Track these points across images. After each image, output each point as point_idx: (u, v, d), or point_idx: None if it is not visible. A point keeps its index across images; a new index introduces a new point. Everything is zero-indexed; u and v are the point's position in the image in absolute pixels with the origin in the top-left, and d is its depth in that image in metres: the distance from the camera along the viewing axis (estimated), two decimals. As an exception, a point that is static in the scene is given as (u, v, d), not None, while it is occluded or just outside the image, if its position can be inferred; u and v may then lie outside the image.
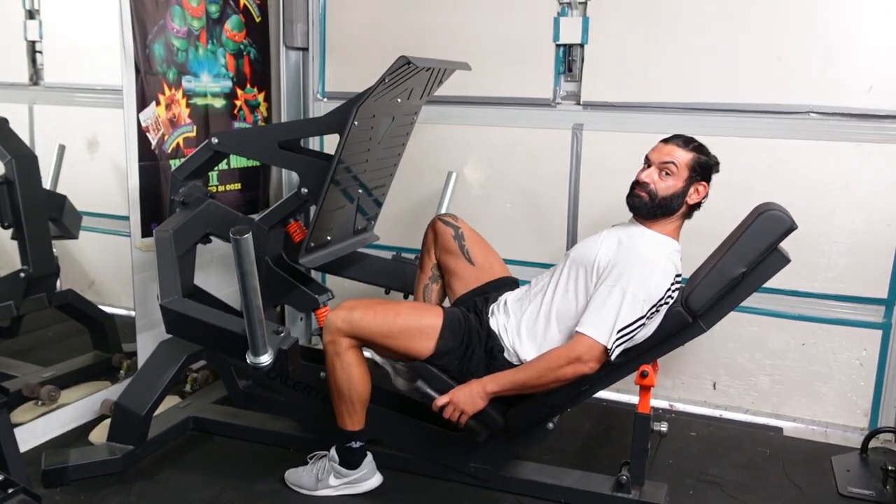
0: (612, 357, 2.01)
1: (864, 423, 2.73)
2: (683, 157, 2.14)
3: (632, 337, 2.03)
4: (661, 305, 2.06)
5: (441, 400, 2.12)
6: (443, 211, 2.82)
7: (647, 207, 2.15)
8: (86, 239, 2.93)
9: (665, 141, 2.19)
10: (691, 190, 2.15)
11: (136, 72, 2.65)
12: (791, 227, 2.01)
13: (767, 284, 2.14)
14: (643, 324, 2.03)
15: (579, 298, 2.13)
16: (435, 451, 2.35)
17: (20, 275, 2.55)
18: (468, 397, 2.10)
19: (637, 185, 2.18)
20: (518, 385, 2.09)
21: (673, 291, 2.09)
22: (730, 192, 2.66)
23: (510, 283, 2.43)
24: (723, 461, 2.54)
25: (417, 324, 2.16)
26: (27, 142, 2.70)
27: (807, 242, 2.64)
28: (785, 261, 2.07)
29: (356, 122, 2.14)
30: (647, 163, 2.19)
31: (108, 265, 3.12)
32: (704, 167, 2.15)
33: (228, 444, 2.56)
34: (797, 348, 2.78)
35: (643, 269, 2.04)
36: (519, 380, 2.09)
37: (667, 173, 2.13)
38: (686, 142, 2.17)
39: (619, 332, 1.99)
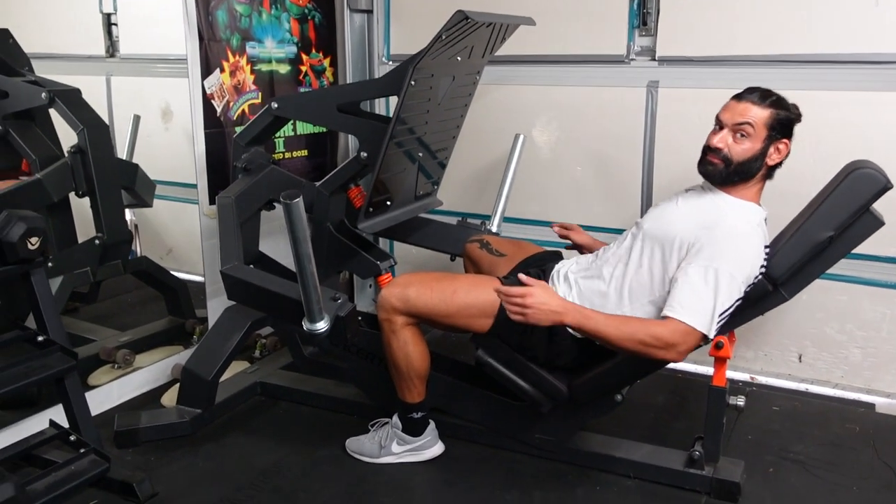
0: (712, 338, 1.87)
1: (967, 400, 2.53)
2: (760, 114, 1.93)
3: (730, 319, 1.90)
4: (754, 283, 1.92)
5: (517, 290, 1.85)
6: (510, 173, 2.74)
7: (723, 175, 1.97)
8: (163, 207, 3.00)
9: (738, 98, 1.98)
10: (771, 150, 1.95)
11: (199, 39, 2.66)
12: (886, 187, 1.84)
13: (859, 250, 1.98)
14: (740, 302, 1.89)
15: (654, 275, 1.98)
16: (499, 420, 2.30)
17: (95, 242, 2.61)
18: (543, 307, 1.83)
19: (709, 150, 1.98)
20: (598, 335, 1.88)
21: (764, 265, 1.93)
22: (818, 150, 2.48)
23: (553, 256, 2.34)
24: (807, 438, 2.39)
25: (475, 301, 2.08)
26: (104, 112, 2.76)
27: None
28: (878, 223, 1.90)
29: (413, 82, 2.07)
30: (719, 124, 1.99)
31: (184, 233, 3.19)
32: (785, 123, 1.95)
33: (293, 409, 2.58)
34: (893, 319, 2.58)
35: (737, 247, 1.87)
36: (601, 331, 1.86)
37: (742, 135, 1.93)
38: (762, 96, 1.95)
39: (719, 316, 1.85)
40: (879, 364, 2.64)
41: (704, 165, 2.00)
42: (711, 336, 1.85)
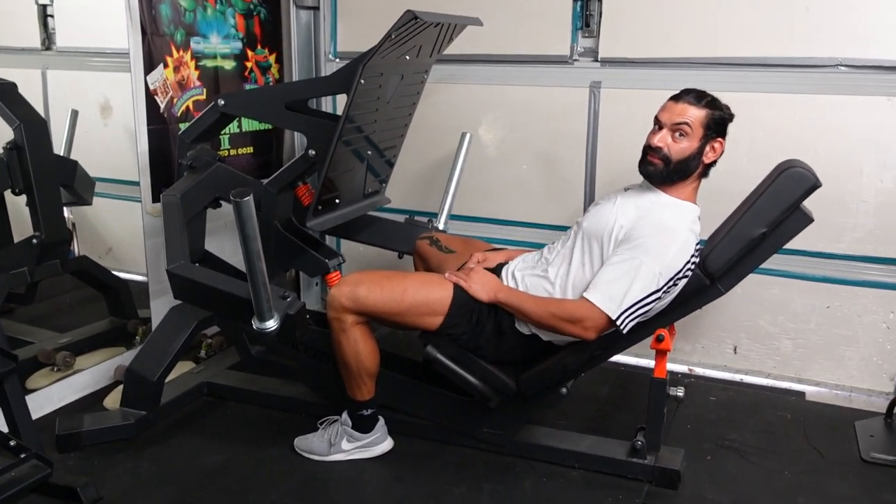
0: (624, 330, 1.94)
1: (890, 387, 2.66)
2: (697, 114, 2.01)
3: (647, 311, 1.96)
4: (679, 279, 1.98)
5: (467, 268, 2.17)
6: (457, 171, 2.77)
7: (662, 175, 2.04)
8: (102, 205, 2.93)
9: (675, 98, 2.06)
10: (707, 149, 2.03)
11: (142, 33, 2.61)
12: (815, 185, 1.93)
13: (791, 245, 2.07)
14: (659, 297, 1.96)
15: (596, 270, 2.04)
16: (447, 416, 2.33)
17: (32, 241, 2.54)
18: (481, 280, 2.11)
19: (649, 150, 2.05)
20: (522, 312, 2.06)
21: (693, 262, 2.00)
22: (753, 149, 2.58)
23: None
24: (742, 426, 2.49)
25: (425, 299, 2.11)
26: (40, 107, 2.68)
27: (833, 201, 2.54)
28: (808, 220, 1.99)
29: (363, 81, 2.08)
30: (658, 124, 2.06)
31: (125, 231, 3.12)
32: (720, 122, 2.03)
33: (241, 409, 2.56)
34: (821, 311, 2.70)
35: (661, 241, 1.95)
36: (525, 307, 2.04)
37: (681, 134, 2.01)
38: (698, 97, 2.03)
39: (631, 305, 1.92)
40: (809, 354, 2.76)
41: (645, 166, 2.07)
42: (619, 322, 1.92)
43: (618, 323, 1.93)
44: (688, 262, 1.98)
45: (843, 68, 2.53)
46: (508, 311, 2.10)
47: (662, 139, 2.03)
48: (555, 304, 2.03)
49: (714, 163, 2.07)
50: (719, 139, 2.04)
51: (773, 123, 2.62)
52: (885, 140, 2.51)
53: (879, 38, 2.47)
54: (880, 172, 2.54)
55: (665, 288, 1.95)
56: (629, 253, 1.95)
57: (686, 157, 2.02)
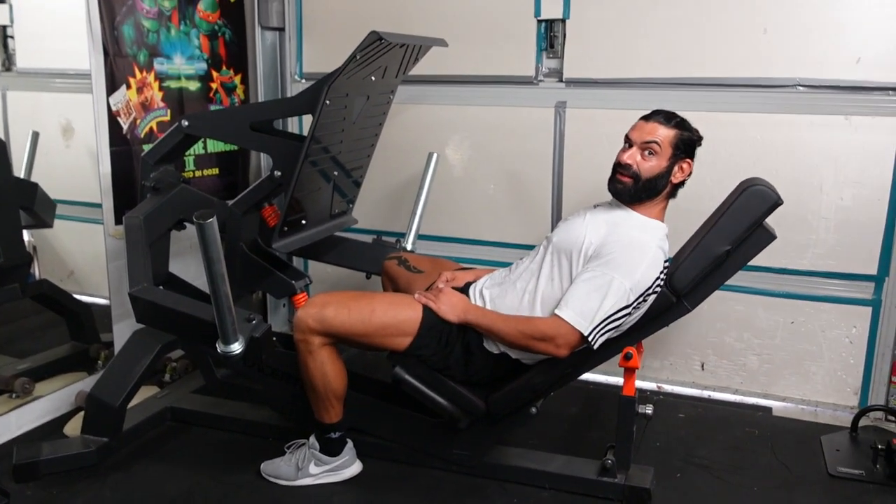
0: (595, 346, 1.95)
1: (854, 401, 2.70)
2: (666, 134, 2.04)
3: (617, 327, 1.97)
4: (648, 295, 1.99)
5: (435, 290, 2.16)
6: (424, 191, 2.77)
7: (631, 193, 2.06)
8: (64, 228, 2.88)
9: (646, 118, 2.09)
10: (676, 168, 2.06)
11: (104, 54, 2.57)
12: (776, 203, 1.96)
13: (754, 262, 2.10)
14: (629, 313, 1.97)
15: (564, 286, 2.05)
16: (416, 438, 2.31)
17: (-9, 265, 2.49)
18: (450, 301, 2.10)
19: (619, 167, 2.07)
20: (492, 332, 2.04)
21: (662, 279, 2.02)
22: (715, 168, 2.62)
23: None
24: (711, 443, 2.50)
25: (394, 320, 2.09)
26: (0, 129, 2.63)
27: (794, 219, 2.59)
28: (770, 237, 2.02)
29: (328, 102, 2.07)
30: (628, 142, 2.09)
31: (87, 254, 3.06)
32: (688, 143, 2.07)
33: (206, 434, 2.51)
34: (786, 327, 2.74)
35: (631, 258, 1.96)
36: (495, 327, 2.03)
37: (650, 153, 2.03)
38: (668, 118, 2.07)
39: (602, 321, 1.92)
40: (774, 370, 2.79)
41: (614, 184, 2.08)
42: (590, 338, 1.92)
43: (589, 339, 1.93)
44: (657, 278, 1.99)
45: (801, 88, 2.59)
46: (477, 331, 2.10)
47: (632, 156, 2.05)
48: (525, 322, 2.02)
49: (682, 183, 2.10)
50: (688, 160, 2.07)
51: (734, 142, 2.66)
52: (844, 158, 2.57)
53: (836, 59, 2.53)
54: (840, 190, 2.59)
55: (635, 304, 1.96)
56: (600, 269, 1.95)
57: (655, 176, 2.04)
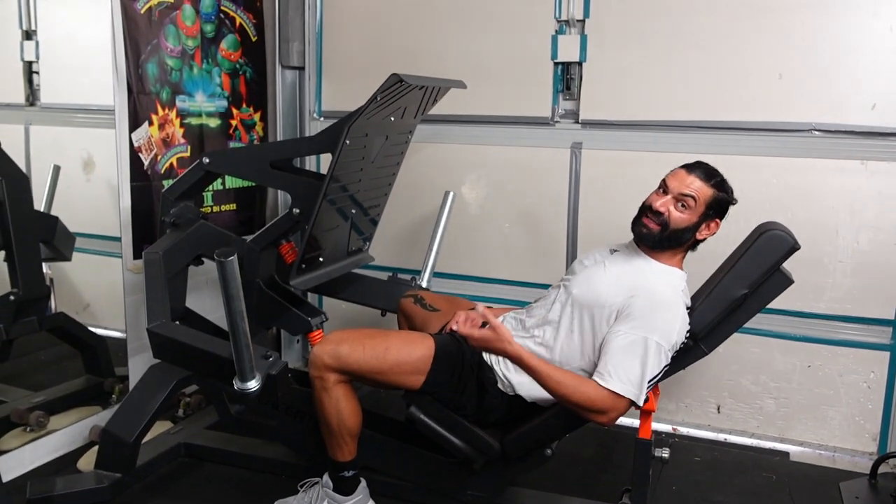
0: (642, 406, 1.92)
1: (873, 447, 2.66)
2: (705, 192, 2.00)
3: (655, 384, 1.96)
4: (681, 347, 1.99)
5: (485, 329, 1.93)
6: (440, 229, 2.78)
7: (656, 239, 2.03)
8: (82, 261, 2.90)
9: (688, 169, 2.04)
10: (703, 226, 2.03)
11: (128, 91, 2.62)
12: (794, 247, 1.96)
13: (771, 305, 2.09)
14: (667, 369, 1.96)
15: (585, 341, 2.03)
16: (430, 478, 2.29)
17: (10, 298, 2.51)
18: (484, 336, 1.90)
19: (649, 211, 2.04)
20: (535, 375, 1.90)
21: (689, 330, 2.00)
22: (731, 211, 2.61)
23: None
24: (727, 487, 2.47)
25: (408, 358, 2.08)
26: (22, 162, 2.67)
27: (811, 262, 2.58)
28: (788, 281, 2.02)
29: (348, 141, 2.10)
30: (664, 188, 2.05)
31: (104, 287, 3.08)
32: (722, 204, 2.04)
33: (220, 470, 2.50)
34: (803, 370, 2.72)
35: (665, 318, 1.93)
36: (540, 373, 1.89)
37: (684, 206, 2.00)
38: (709, 175, 2.03)
39: (648, 383, 1.90)
40: (791, 413, 2.76)
41: (640, 226, 2.05)
42: (641, 403, 1.90)
43: (639, 403, 1.90)
44: (687, 329, 1.98)
45: (816, 133, 2.60)
46: (491, 371, 2.09)
47: (665, 205, 2.02)
48: (575, 385, 1.89)
49: (704, 240, 2.08)
50: (717, 220, 2.05)
51: (750, 185, 2.66)
52: (860, 203, 2.57)
53: (851, 104, 2.55)
54: (856, 234, 2.59)
55: (672, 357, 1.96)
56: (635, 333, 1.90)
57: (682, 229, 2.02)
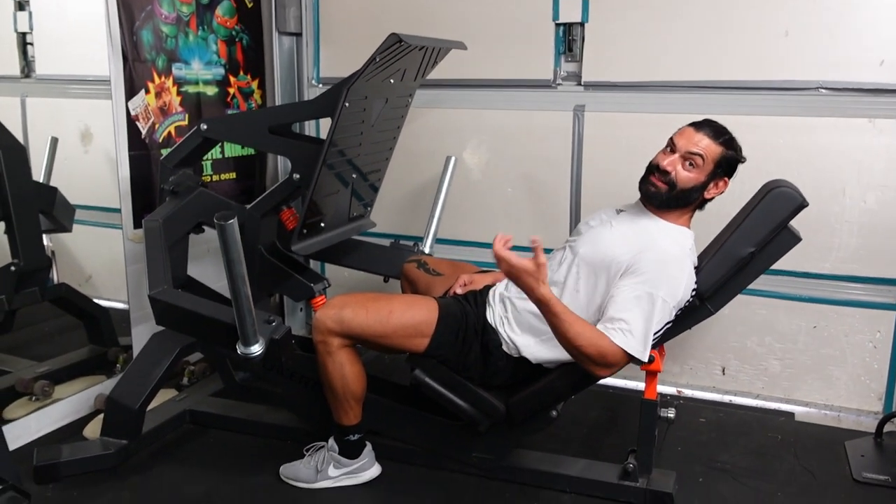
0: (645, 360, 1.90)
1: (879, 406, 2.66)
2: (713, 150, 1.97)
3: (657, 341, 1.94)
4: (684, 306, 1.98)
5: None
6: (442, 195, 2.76)
7: (663, 199, 2.00)
8: (82, 232, 2.89)
9: (696, 127, 2.00)
10: (711, 185, 2.00)
11: (123, 59, 2.59)
12: (801, 205, 1.94)
13: (776, 266, 2.07)
14: (669, 326, 1.95)
15: (591, 300, 2.00)
16: (435, 441, 2.29)
17: (11, 268, 2.50)
18: (522, 266, 1.79)
19: (656, 170, 2.01)
20: (557, 320, 1.82)
21: (694, 289, 1.98)
22: (737, 171, 2.59)
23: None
24: (733, 448, 2.47)
25: (412, 321, 2.08)
26: (19, 134, 2.64)
27: (817, 222, 2.56)
28: (795, 239, 2.00)
29: (347, 104, 2.07)
30: (671, 146, 2.01)
31: (105, 259, 3.07)
32: (731, 163, 2.00)
33: (225, 437, 2.50)
34: (808, 331, 2.71)
35: (672, 274, 1.91)
36: (563, 320, 1.81)
37: (692, 164, 1.97)
38: (717, 133, 1.99)
39: (651, 339, 1.89)
40: (797, 374, 2.75)
41: (647, 185, 2.03)
42: (645, 360, 1.88)
43: (644, 360, 1.89)
44: (693, 289, 1.97)
45: (823, 91, 2.56)
46: (495, 333, 2.08)
47: (672, 164, 1.98)
48: (588, 335, 1.84)
49: (712, 199, 2.05)
50: (725, 178, 2.02)
51: (755, 146, 2.57)
52: (868, 161, 2.54)
53: (859, 61, 2.50)
54: (863, 193, 2.56)
55: (676, 314, 1.95)
56: (641, 287, 1.88)
57: (690, 188, 1.98)
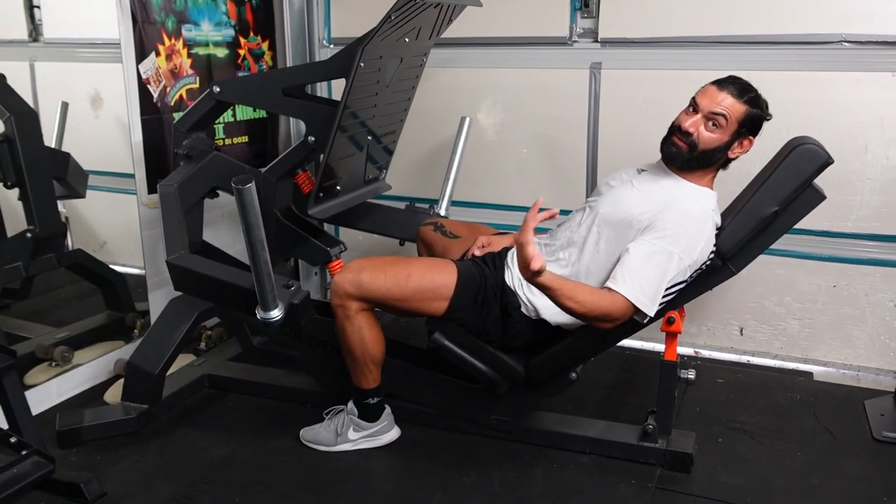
0: (656, 319, 1.89)
1: (898, 365, 2.65)
2: (737, 108, 1.91)
3: (671, 300, 1.92)
4: (702, 268, 1.95)
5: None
6: (457, 157, 2.73)
7: (685, 159, 1.96)
8: (96, 198, 2.88)
9: (719, 86, 1.94)
10: (736, 144, 1.95)
11: (132, 21, 2.55)
12: (827, 161, 1.89)
13: (797, 225, 2.03)
14: (685, 285, 1.92)
15: (611, 259, 1.97)
16: (454, 403, 2.30)
17: (27, 235, 2.50)
18: (532, 252, 1.73)
19: (678, 131, 1.96)
20: (555, 292, 1.81)
21: (714, 250, 1.95)
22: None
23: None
24: (751, 408, 2.47)
25: (430, 284, 2.07)
26: (29, 100, 2.62)
27: (838, 180, 2.51)
28: (820, 197, 1.96)
29: (362, 64, 2.03)
30: (694, 106, 1.96)
31: (119, 224, 3.07)
32: (756, 121, 1.95)
33: (244, 401, 2.52)
34: (828, 290, 2.68)
35: (690, 233, 1.88)
36: (560, 290, 1.81)
37: (714, 124, 1.92)
38: (742, 90, 1.92)
39: (661, 297, 1.87)
40: (815, 334, 2.74)
41: (668, 146, 1.98)
42: (651, 314, 1.87)
43: (652, 316, 1.88)
44: (711, 251, 1.94)
45: (846, 44, 2.50)
46: (514, 295, 2.07)
47: (695, 124, 1.93)
48: (590, 296, 1.85)
49: (736, 158, 2.00)
50: (750, 137, 1.97)
51: (776, 102, 2.51)
52: (891, 116, 2.49)
53: (883, 13, 2.43)
54: (886, 149, 2.51)
55: (690, 278, 1.92)
56: (658, 243, 1.87)
57: (713, 149, 1.94)
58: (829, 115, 2.55)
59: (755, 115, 1.95)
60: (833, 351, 2.72)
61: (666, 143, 2.00)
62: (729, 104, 1.92)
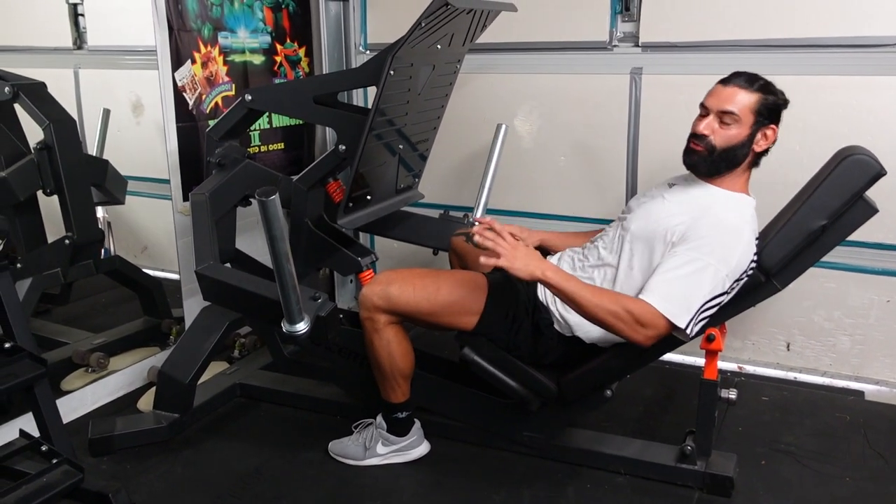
0: (692, 336, 1.81)
1: (957, 386, 2.51)
2: (747, 100, 1.85)
3: (712, 315, 1.84)
4: (742, 279, 1.86)
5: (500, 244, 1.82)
6: (492, 164, 2.68)
7: (707, 164, 1.89)
8: (137, 204, 2.92)
9: (724, 82, 1.90)
10: (758, 136, 1.88)
11: (168, 29, 2.56)
12: (879, 173, 1.79)
13: (848, 238, 1.93)
14: (724, 300, 1.84)
15: (646, 276, 1.90)
16: (485, 418, 2.25)
17: (65, 242, 2.53)
18: (526, 257, 1.80)
19: (693, 138, 1.91)
20: (569, 296, 1.80)
21: (754, 261, 1.86)
22: (806, 137, 2.45)
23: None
24: (797, 429, 2.36)
25: (460, 298, 2.02)
26: (73, 107, 2.67)
27: (893, 190, 2.38)
28: (872, 210, 1.85)
29: (392, 72, 2.00)
30: (704, 110, 1.91)
31: (160, 230, 3.10)
32: (772, 108, 1.88)
33: (275, 411, 2.51)
34: (881, 306, 2.56)
35: (725, 242, 1.80)
36: (574, 293, 1.79)
37: (728, 121, 1.86)
38: (749, 80, 1.88)
39: (698, 310, 1.78)
40: (868, 351, 2.61)
41: (689, 155, 1.93)
42: (687, 329, 1.79)
43: (686, 331, 1.79)
44: (751, 261, 1.85)
45: (902, 47, 2.38)
46: (547, 313, 2.00)
47: (708, 126, 1.88)
48: (612, 297, 1.82)
49: (766, 151, 1.93)
50: (772, 126, 1.89)
51: (826, 108, 2.48)
52: (950, 123, 2.36)
53: (942, 14, 2.31)
54: (944, 158, 2.38)
55: (729, 289, 1.83)
56: (692, 253, 1.80)
57: (733, 146, 1.87)
58: (884, 122, 2.43)
59: (770, 102, 1.87)
60: (886, 369, 2.59)
61: (686, 153, 1.94)
62: (738, 97, 1.86)
